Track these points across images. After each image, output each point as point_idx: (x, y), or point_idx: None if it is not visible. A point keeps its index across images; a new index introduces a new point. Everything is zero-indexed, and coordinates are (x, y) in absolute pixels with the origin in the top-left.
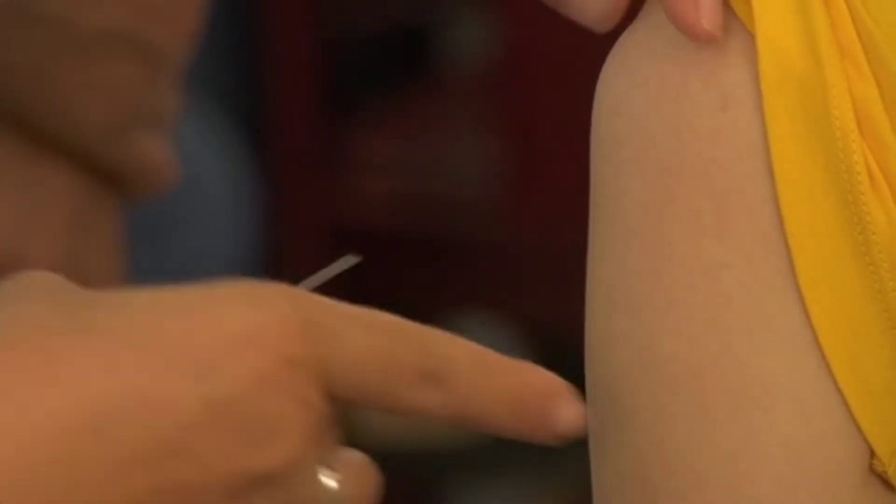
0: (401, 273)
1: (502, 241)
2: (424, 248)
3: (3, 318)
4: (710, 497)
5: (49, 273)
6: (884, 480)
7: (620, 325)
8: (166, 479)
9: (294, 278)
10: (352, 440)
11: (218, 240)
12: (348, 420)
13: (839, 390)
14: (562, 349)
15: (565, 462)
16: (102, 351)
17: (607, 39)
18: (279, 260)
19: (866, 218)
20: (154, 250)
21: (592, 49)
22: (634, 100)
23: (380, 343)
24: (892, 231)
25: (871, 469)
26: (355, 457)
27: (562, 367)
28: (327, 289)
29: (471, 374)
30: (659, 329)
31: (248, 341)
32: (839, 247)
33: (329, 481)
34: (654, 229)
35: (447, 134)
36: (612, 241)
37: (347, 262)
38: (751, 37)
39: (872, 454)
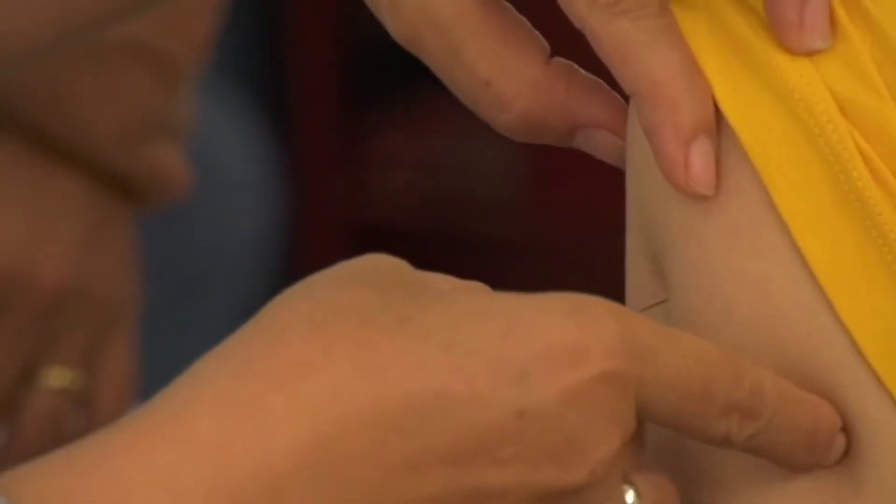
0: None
1: (521, 238)
2: (442, 243)
3: (326, 301)
4: None
5: (389, 258)
6: None
7: None
8: (465, 482)
9: (312, 270)
10: None
11: (238, 229)
12: None
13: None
14: None
15: None
16: (416, 349)
17: None
18: (298, 252)
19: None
20: (174, 238)
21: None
22: None
23: (696, 370)
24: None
25: None
26: (658, 477)
27: None
28: None
29: (777, 408)
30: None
31: (567, 356)
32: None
33: (631, 499)
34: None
35: (467, 131)
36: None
37: None
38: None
39: None
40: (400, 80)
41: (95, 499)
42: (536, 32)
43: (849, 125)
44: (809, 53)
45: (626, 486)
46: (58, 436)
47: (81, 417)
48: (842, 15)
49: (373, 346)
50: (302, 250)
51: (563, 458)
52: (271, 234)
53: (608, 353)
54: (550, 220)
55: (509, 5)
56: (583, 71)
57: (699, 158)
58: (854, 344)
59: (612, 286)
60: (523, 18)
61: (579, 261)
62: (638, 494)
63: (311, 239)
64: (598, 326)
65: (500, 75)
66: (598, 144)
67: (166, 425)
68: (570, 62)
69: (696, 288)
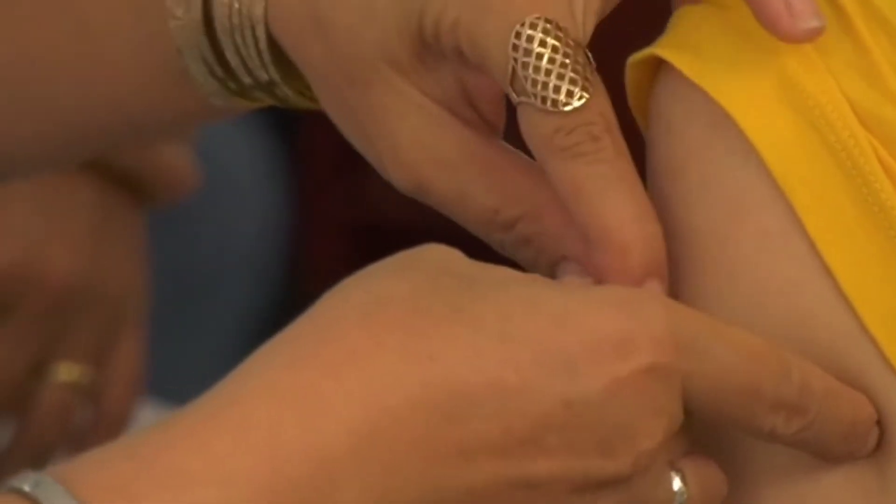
0: None
1: None
2: (436, 241)
3: (378, 290)
4: None
5: (445, 249)
6: None
7: None
8: (513, 471)
9: (315, 264)
10: None
11: (244, 229)
12: None
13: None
14: None
15: None
16: (468, 338)
17: (630, 43)
18: (301, 250)
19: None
20: (182, 237)
21: (610, 47)
22: (690, 123)
23: (744, 366)
24: None
25: None
26: (704, 463)
27: None
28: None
29: (822, 405)
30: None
31: (615, 347)
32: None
33: (678, 486)
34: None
35: None
36: (683, 266)
37: None
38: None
39: None
40: None
41: (156, 487)
42: (532, 160)
43: (869, 137)
44: (808, 37)
45: (672, 473)
46: (66, 429)
47: (89, 411)
48: (859, 24)
49: (423, 334)
50: (304, 249)
51: (608, 448)
52: (275, 234)
53: (656, 345)
54: None
55: (501, 142)
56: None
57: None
58: (878, 348)
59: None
60: (517, 151)
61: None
62: (685, 481)
63: (313, 238)
64: (647, 319)
65: (508, 204)
66: (567, 272)
67: (222, 414)
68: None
69: (729, 291)
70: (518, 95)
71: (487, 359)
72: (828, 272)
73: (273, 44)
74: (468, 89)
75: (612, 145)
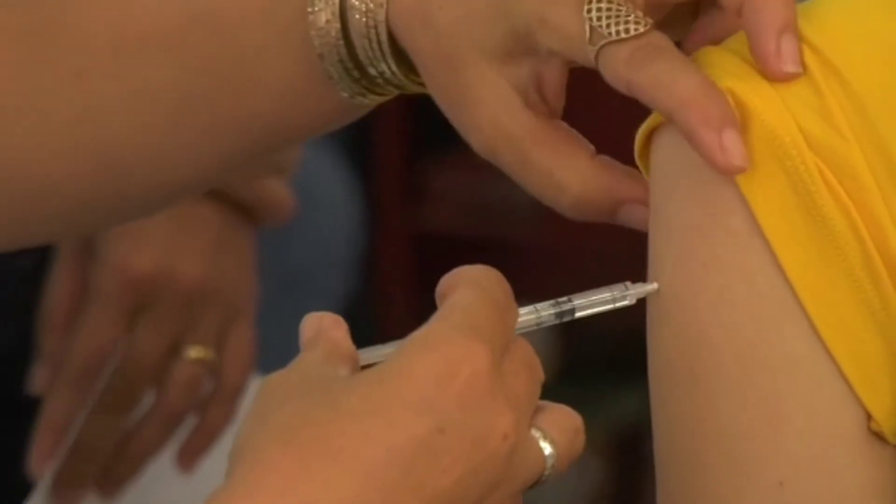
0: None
1: (556, 243)
2: (488, 250)
3: (283, 418)
4: (748, 441)
5: (283, 373)
6: (880, 437)
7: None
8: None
9: (384, 263)
10: None
11: (328, 240)
12: None
13: (846, 377)
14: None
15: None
16: (367, 421)
17: None
18: (373, 256)
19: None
20: (281, 247)
21: None
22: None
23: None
24: (862, 247)
25: (870, 429)
26: (562, 413)
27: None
28: (409, 286)
29: None
30: (709, 322)
31: (448, 376)
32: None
33: (548, 450)
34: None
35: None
36: (666, 256)
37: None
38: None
39: (870, 418)
40: (451, 128)
41: None
42: (582, 137)
43: (817, 160)
44: (786, 78)
45: (536, 433)
46: (194, 398)
47: (212, 384)
48: (815, 70)
49: (340, 433)
50: (376, 255)
51: (482, 444)
52: (353, 240)
53: (475, 358)
54: (587, 227)
55: (561, 121)
56: (620, 164)
57: (730, 141)
58: (811, 321)
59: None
60: (571, 128)
61: (615, 263)
62: (547, 438)
63: (381, 243)
64: (457, 347)
65: (559, 169)
66: (635, 217)
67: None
68: (610, 157)
69: (702, 279)
70: (596, 45)
71: (390, 424)
72: (778, 263)
73: (392, 40)
74: (540, 80)
75: (672, 49)
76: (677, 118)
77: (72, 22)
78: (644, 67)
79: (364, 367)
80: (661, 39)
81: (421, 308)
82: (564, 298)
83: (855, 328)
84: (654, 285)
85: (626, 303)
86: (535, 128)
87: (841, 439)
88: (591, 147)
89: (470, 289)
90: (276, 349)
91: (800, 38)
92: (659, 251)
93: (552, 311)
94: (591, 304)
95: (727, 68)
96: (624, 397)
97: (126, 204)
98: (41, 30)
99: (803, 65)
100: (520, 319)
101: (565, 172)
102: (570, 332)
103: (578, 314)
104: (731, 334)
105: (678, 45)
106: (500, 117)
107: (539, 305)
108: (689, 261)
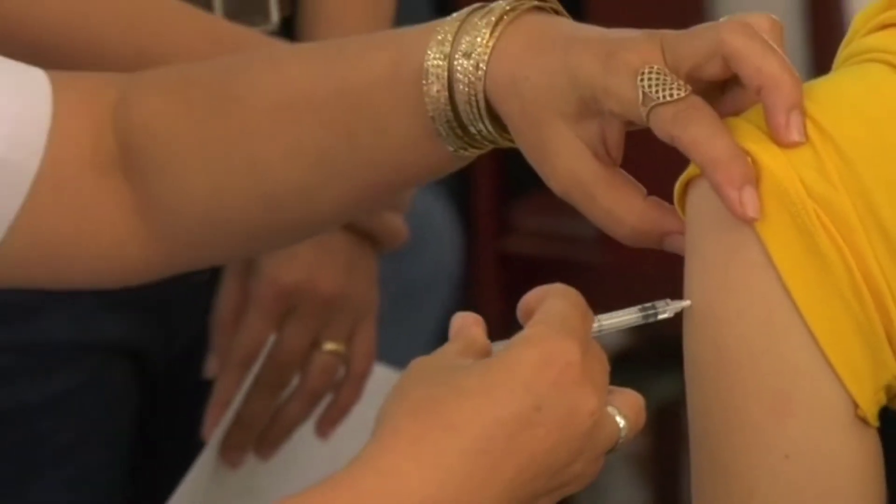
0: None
1: (623, 265)
2: (565, 270)
3: (415, 395)
4: (756, 424)
5: (429, 360)
6: (864, 421)
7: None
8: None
9: (480, 279)
10: None
11: (434, 261)
12: None
13: (838, 375)
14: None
15: None
16: (477, 398)
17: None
18: (470, 274)
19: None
20: (397, 267)
21: None
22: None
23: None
24: (843, 262)
25: (856, 415)
26: (622, 391)
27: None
28: (497, 299)
29: None
30: (730, 333)
31: (546, 365)
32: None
33: (622, 422)
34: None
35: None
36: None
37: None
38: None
39: (857, 407)
40: (533, 173)
41: None
42: (636, 181)
43: (815, 206)
44: (793, 145)
45: (611, 410)
46: (330, 382)
47: (343, 371)
48: (814, 137)
49: (452, 410)
50: (470, 274)
51: (573, 420)
52: (452, 265)
53: (567, 352)
54: (639, 252)
55: (620, 169)
56: (665, 202)
57: (748, 197)
58: (811, 332)
59: None
60: (628, 174)
61: (659, 282)
62: (621, 413)
63: (476, 267)
64: (552, 344)
65: (618, 207)
66: (676, 245)
67: (362, 484)
68: (659, 198)
69: (720, 299)
70: (647, 106)
71: (497, 402)
72: (785, 287)
73: (488, 105)
74: (603, 136)
75: (708, 112)
76: (708, 174)
77: (240, 91)
78: (686, 127)
79: None
80: (700, 102)
81: (506, 317)
82: (619, 311)
83: (845, 338)
84: (688, 302)
85: (666, 315)
86: (600, 174)
87: (834, 423)
88: (643, 189)
89: (559, 299)
90: (392, 344)
91: (805, 114)
92: (692, 275)
93: (614, 320)
94: (639, 316)
95: (747, 134)
96: (665, 382)
97: (281, 234)
98: (219, 96)
99: (806, 134)
100: (604, 323)
101: (624, 210)
102: (622, 333)
103: (631, 323)
104: (747, 343)
105: None
106: (573, 166)
107: (609, 315)
108: (715, 284)
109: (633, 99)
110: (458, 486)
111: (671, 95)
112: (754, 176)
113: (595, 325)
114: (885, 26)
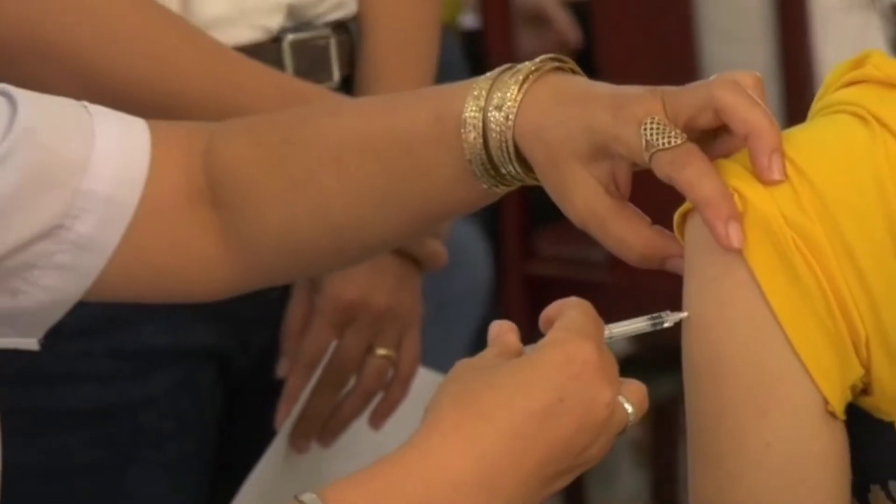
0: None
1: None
2: (577, 287)
3: (456, 390)
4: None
5: (472, 361)
6: (833, 415)
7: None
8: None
9: (507, 297)
10: None
11: (469, 280)
12: None
13: (812, 377)
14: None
15: None
16: (509, 393)
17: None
18: (499, 293)
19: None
20: (437, 285)
21: None
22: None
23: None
24: (819, 286)
25: (827, 410)
26: (629, 381)
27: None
28: (523, 313)
29: None
30: (722, 341)
31: (566, 362)
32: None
33: (630, 409)
34: (717, 287)
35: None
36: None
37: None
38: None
39: (827, 403)
40: (554, 206)
41: (383, 491)
42: (642, 213)
43: (793, 235)
44: (774, 183)
45: (621, 400)
46: (381, 382)
47: (392, 373)
48: (793, 175)
49: (486, 401)
50: (500, 292)
51: (593, 408)
52: (485, 283)
53: (585, 353)
54: (645, 272)
55: (628, 202)
56: (667, 230)
57: (733, 231)
58: (789, 341)
59: None
60: (635, 207)
61: (662, 297)
62: (628, 401)
63: (506, 283)
64: (572, 346)
65: (628, 235)
66: (677, 266)
67: (410, 462)
68: (661, 227)
69: (712, 309)
70: (649, 151)
71: (527, 394)
72: (768, 302)
73: (517, 150)
74: (614, 175)
75: (701, 157)
76: (700, 210)
77: (308, 137)
78: (682, 170)
79: None
80: (694, 148)
81: (530, 327)
82: (626, 321)
83: (817, 345)
84: (686, 314)
85: (667, 325)
86: (611, 207)
87: (809, 416)
88: (649, 219)
89: (575, 309)
90: (433, 351)
91: (784, 157)
92: (690, 292)
93: (622, 328)
94: (644, 325)
95: (735, 174)
96: (664, 382)
97: (343, 258)
98: (290, 142)
99: (786, 174)
100: (615, 331)
101: (632, 237)
102: (628, 340)
103: (638, 331)
104: (736, 349)
105: None
106: (588, 201)
107: (619, 325)
108: (710, 299)
109: (638, 145)
110: (491, 464)
111: (669, 143)
112: (739, 213)
113: (606, 332)
114: (851, 83)
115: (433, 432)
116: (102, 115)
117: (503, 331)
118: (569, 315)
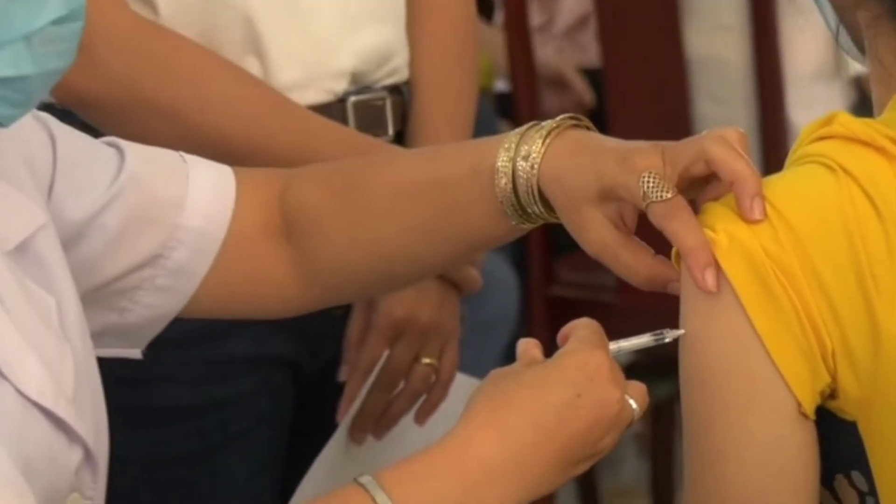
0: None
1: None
2: (599, 310)
3: (489, 389)
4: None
5: (503, 370)
6: (805, 416)
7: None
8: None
9: (532, 314)
10: None
11: (499, 302)
12: None
13: (787, 383)
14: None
15: None
16: (535, 389)
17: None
18: (527, 312)
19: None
20: (474, 302)
21: None
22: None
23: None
24: (793, 307)
25: (800, 412)
26: (632, 382)
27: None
28: (545, 330)
29: None
30: (711, 354)
31: (581, 367)
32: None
33: (634, 406)
34: (707, 304)
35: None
36: (686, 307)
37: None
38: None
39: (800, 405)
40: (572, 239)
41: (428, 474)
42: (646, 244)
43: (771, 263)
44: (756, 222)
45: (627, 398)
46: (426, 386)
47: (434, 378)
48: (772, 215)
49: (514, 396)
50: (526, 311)
51: (608, 408)
52: (513, 304)
53: (597, 359)
54: (649, 294)
55: (634, 236)
56: (667, 259)
57: (709, 276)
58: (768, 353)
59: None
60: (640, 240)
61: (663, 316)
62: (633, 399)
63: (530, 306)
64: (586, 354)
65: (634, 263)
66: (676, 289)
67: (449, 449)
68: (663, 256)
69: (703, 327)
70: (646, 201)
71: (549, 390)
72: (751, 321)
73: (541, 193)
74: (621, 214)
75: (687, 212)
76: (683, 258)
77: (367, 182)
78: (670, 222)
79: None
80: (682, 202)
81: (551, 343)
82: (633, 337)
83: (792, 356)
84: (682, 331)
85: (667, 340)
86: (620, 240)
87: (785, 417)
88: (651, 250)
89: (586, 328)
90: (469, 361)
91: (764, 199)
92: (685, 312)
93: (629, 342)
94: (648, 340)
95: (722, 215)
96: (662, 386)
97: (393, 284)
98: (352, 185)
99: (765, 214)
100: (622, 345)
101: (639, 265)
102: (633, 352)
103: (642, 346)
104: (724, 359)
105: (692, 202)
106: (601, 235)
107: (626, 340)
108: (701, 318)
109: (638, 193)
110: (516, 450)
111: (662, 196)
112: (714, 261)
113: (615, 346)
114: (822, 138)
115: (469, 424)
116: (196, 163)
117: (529, 347)
118: (580, 332)
